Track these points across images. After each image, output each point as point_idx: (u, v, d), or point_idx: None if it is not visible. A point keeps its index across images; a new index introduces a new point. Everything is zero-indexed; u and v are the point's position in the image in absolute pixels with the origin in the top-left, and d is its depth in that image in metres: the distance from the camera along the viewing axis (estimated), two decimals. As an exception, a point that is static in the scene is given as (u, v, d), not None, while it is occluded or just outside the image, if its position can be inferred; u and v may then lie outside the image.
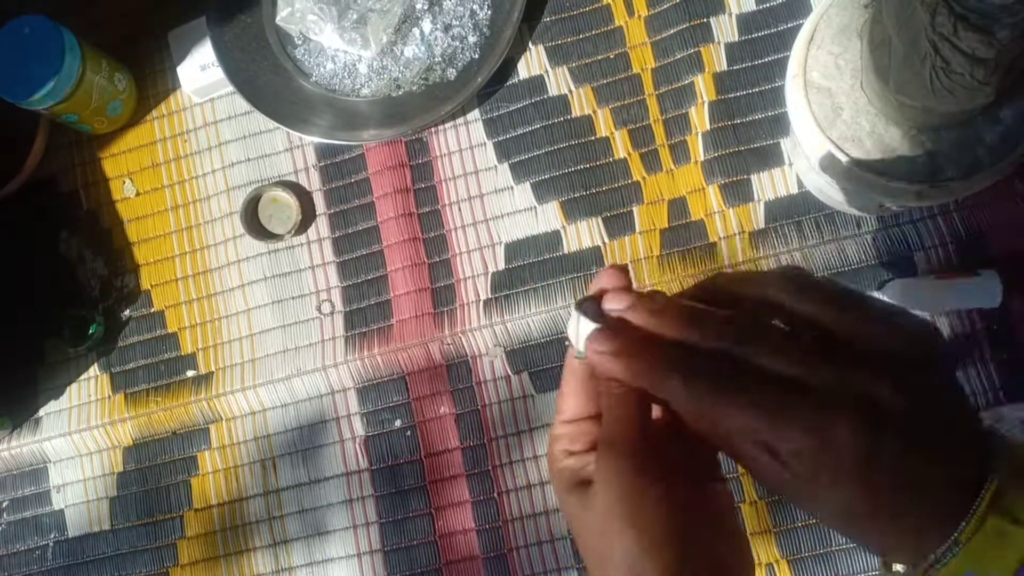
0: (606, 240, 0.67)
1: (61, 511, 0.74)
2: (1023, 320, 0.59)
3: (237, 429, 0.71)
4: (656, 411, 0.33)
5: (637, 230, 0.66)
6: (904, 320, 0.31)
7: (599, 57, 0.69)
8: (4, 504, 0.75)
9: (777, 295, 0.31)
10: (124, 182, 0.76)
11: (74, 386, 0.74)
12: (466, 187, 0.70)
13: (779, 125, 0.65)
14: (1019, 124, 0.47)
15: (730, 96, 0.66)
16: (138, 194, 0.76)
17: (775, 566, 0.61)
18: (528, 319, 0.67)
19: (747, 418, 0.29)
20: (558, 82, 0.69)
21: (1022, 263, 0.59)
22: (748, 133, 0.65)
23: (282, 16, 0.71)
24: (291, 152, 0.74)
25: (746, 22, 0.66)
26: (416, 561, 0.67)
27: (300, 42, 0.73)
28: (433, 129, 0.71)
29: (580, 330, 0.33)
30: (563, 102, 0.69)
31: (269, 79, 0.72)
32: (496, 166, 0.70)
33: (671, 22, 0.67)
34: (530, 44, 0.70)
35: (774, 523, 0.61)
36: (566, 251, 0.67)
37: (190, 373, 0.72)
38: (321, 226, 0.72)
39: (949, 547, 0.28)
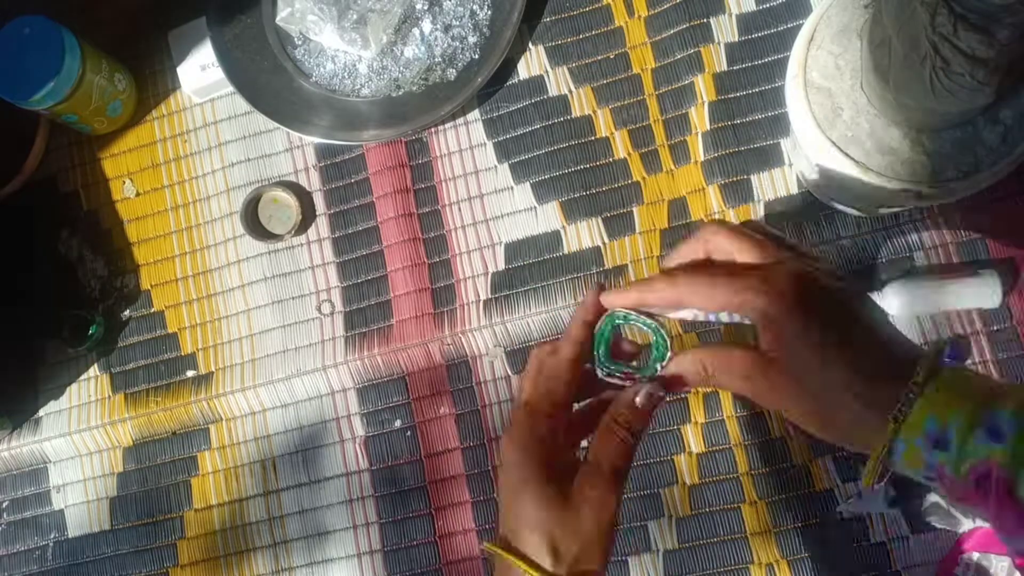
0: (606, 240, 0.67)
1: (61, 511, 0.74)
2: (1023, 320, 0.59)
3: (237, 429, 0.71)
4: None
5: (637, 230, 0.66)
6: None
7: (599, 57, 0.69)
8: (4, 504, 0.75)
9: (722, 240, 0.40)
10: (124, 182, 0.76)
11: (74, 386, 0.74)
12: (466, 187, 0.70)
13: (779, 125, 0.64)
14: (1019, 124, 0.47)
15: (730, 96, 0.66)
16: (138, 194, 0.76)
17: (775, 566, 0.61)
18: (528, 319, 0.67)
19: (727, 293, 0.37)
20: (558, 82, 0.69)
21: (1022, 263, 0.59)
22: (748, 133, 0.65)
23: (282, 16, 0.71)
24: (291, 152, 0.74)
25: (746, 22, 0.66)
26: (416, 561, 0.67)
27: (300, 42, 0.73)
28: (433, 129, 0.71)
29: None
30: (563, 102, 0.69)
31: (269, 79, 0.72)
32: (496, 166, 0.70)
33: (671, 22, 0.67)
34: (530, 44, 0.70)
35: (774, 523, 0.61)
36: (566, 251, 0.67)
37: (190, 373, 0.72)
38: (321, 226, 0.72)
39: (909, 393, 0.33)
